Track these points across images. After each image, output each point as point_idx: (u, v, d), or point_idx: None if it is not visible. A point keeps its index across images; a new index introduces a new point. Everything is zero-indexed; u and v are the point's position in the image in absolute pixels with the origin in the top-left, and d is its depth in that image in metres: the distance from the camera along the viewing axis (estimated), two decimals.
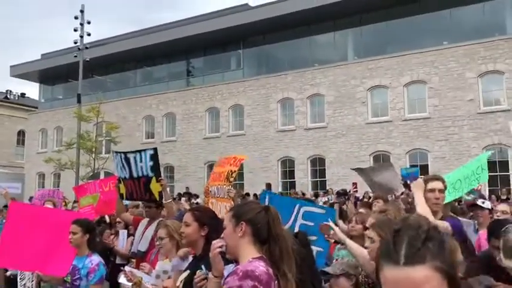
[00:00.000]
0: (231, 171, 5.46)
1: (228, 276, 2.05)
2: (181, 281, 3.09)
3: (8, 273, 5.83)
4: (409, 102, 20.40)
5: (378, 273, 1.09)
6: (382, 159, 20.19)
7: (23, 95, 42.23)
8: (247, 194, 16.02)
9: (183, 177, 24.92)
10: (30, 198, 15.29)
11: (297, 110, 22.77)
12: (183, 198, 14.37)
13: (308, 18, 22.61)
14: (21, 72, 33.59)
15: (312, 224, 4.37)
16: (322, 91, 22.21)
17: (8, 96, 40.53)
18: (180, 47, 26.30)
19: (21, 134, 37.55)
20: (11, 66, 33.87)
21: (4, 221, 8.23)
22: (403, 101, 20.41)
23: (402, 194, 9.08)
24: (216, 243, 2.26)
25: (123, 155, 5.48)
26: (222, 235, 2.28)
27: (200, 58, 27.74)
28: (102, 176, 25.88)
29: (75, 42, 23.98)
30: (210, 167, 25.00)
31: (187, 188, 21.39)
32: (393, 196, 8.14)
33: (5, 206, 9.98)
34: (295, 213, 4.45)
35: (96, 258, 4.07)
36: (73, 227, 4.06)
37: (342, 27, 23.11)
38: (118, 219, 6.57)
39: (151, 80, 29.72)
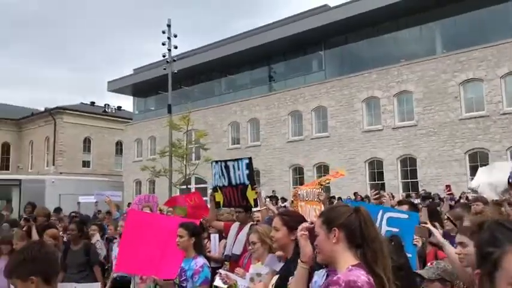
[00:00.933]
0: (327, 179, 5.49)
1: (328, 285, 2.00)
2: (272, 285, 3.14)
3: (115, 275, 6.27)
4: (507, 94, 18.87)
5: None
6: (479, 158, 18.86)
7: (119, 108, 45.44)
8: (333, 197, 15.81)
9: (268, 181, 25.22)
10: (129, 204, 16.41)
11: (383, 109, 22.05)
12: (267, 200, 14.52)
13: (391, 14, 21.85)
14: (116, 87, 36.25)
15: (397, 230, 4.22)
16: (410, 88, 21.29)
17: (106, 109, 43.87)
18: (262, 53, 26.73)
19: (118, 144, 40.41)
20: (108, 82, 36.69)
21: (108, 225, 8.92)
22: (501, 93, 18.92)
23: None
24: (302, 227, 2.27)
25: (223, 163, 5.72)
26: (315, 243, 2.24)
27: (281, 63, 27.97)
28: (193, 181, 27.06)
29: (164, 56, 25.32)
30: (295, 170, 25.07)
31: (273, 191, 21.60)
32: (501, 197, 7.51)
33: (107, 212, 10.83)
34: (379, 219, 4.32)
35: (200, 260, 4.21)
36: (180, 230, 4.26)
37: (428, 20, 22.01)
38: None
39: (235, 87, 30.52)
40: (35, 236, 6.70)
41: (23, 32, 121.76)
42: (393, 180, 21.28)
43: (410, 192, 18.37)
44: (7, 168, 41.36)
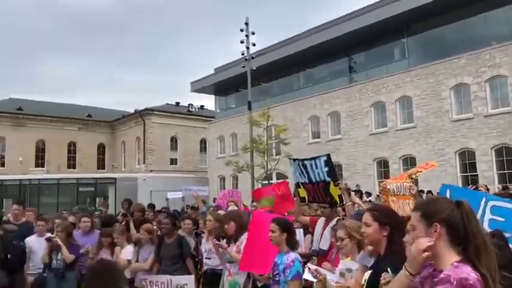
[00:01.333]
0: (417, 171, 5.29)
1: (436, 284, 1.91)
2: (365, 280, 3.08)
3: (205, 268, 6.53)
4: None
5: None
6: None
7: (202, 107, 47.09)
8: (422, 191, 15.10)
9: (351, 175, 24.72)
10: (214, 199, 16.98)
11: (474, 96, 20.64)
12: (352, 194, 14.23)
13: None
14: (199, 87, 37.55)
15: (503, 219, 3.92)
16: (504, 72, 19.70)
17: (190, 109, 45.67)
18: (341, 44, 26.20)
19: (202, 142, 41.91)
20: (191, 83, 38.13)
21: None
22: None
23: None
24: (423, 244, 2.04)
25: (300, 162, 5.73)
26: (410, 236, 2.15)
27: (361, 53, 27.22)
28: (274, 176, 27.30)
29: (242, 54, 25.77)
30: (380, 163, 24.32)
31: (357, 185, 21.15)
32: None
33: (192, 208, 11.27)
34: (482, 206, 4.05)
35: (292, 255, 4.25)
36: (272, 225, 4.36)
37: None
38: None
39: (314, 81, 30.26)
40: (132, 230, 7.17)
41: (109, 37, 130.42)
42: (487, 172, 19.86)
43: (508, 184, 17.03)
44: (103, 168, 44.64)
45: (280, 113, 28.64)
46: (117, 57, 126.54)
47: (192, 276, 6.11)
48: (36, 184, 28.18)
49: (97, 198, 27.70)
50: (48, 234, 6.37)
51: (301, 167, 5.65)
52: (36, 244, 6.56)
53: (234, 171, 27.71)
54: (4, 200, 26.38)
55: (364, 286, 3.05)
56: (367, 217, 3.09)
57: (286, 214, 6.59)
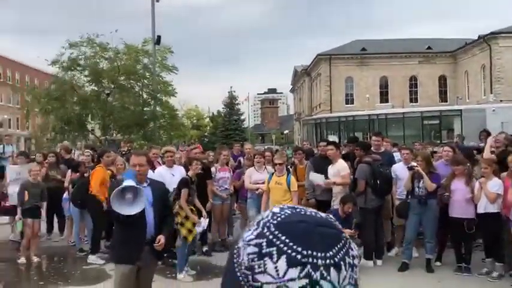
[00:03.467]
0: None
1: None
2: None
3: None
4: None
5: None
6: None
7: None
8: None
9: None
10: None
11: None
12: None
13: None
14: None
15: None
16: None
17: None
18: None
19: None
20: None
21: None
22: None
23: None
24: None
25: None
26: None
27: None
28: None
29: None
30: None
31: None
32: None
33: None
34: None
35: None
36: None
37: None
38: None
39: None
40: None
41: None
42: None
43: None
44: (445, 100, 43.41)
45: None
46: None
47: None
48: (383, 119, 30.25)
49: (442, 131, 27.45)
50: (411, 163, 6.76)
51: None
52: (401, 171, 7.09)
53: None
54: (355, 133, 29.56)
55: None
56: None
57: None
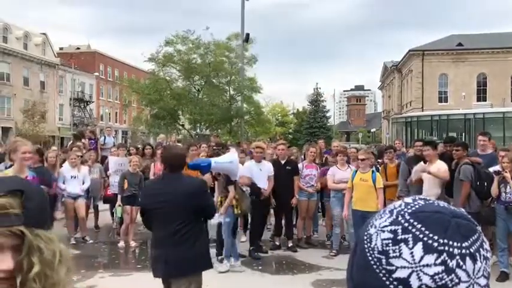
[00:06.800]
0: None
1: None
2: None
3: None
4: None
5: None
6: None
7: None
8: None
9: None
10: None
11: None
12: None
13: None
14: None
15: None
16: None
17: None
18: None
19: None
20: None
21: None
22: None
23: None
24: None
25: None
26: None
27: None
28: None
29: None
30: None
31: None
32: None
33: None
34: None
35: None
36: None
37: None
38: None
39: None
40: None
41: None
42: None
43: None
44: None
45: None
46: None
47: None
48: (480, 118, 28.22)
49: None
50: (497, 167, 6.27)
51: None
52: None
53: None
54: (449, 133, 27.87)
55: None
56: None
57: None
